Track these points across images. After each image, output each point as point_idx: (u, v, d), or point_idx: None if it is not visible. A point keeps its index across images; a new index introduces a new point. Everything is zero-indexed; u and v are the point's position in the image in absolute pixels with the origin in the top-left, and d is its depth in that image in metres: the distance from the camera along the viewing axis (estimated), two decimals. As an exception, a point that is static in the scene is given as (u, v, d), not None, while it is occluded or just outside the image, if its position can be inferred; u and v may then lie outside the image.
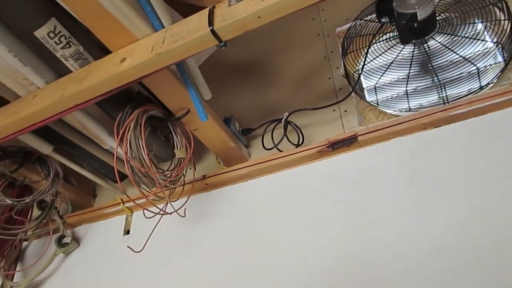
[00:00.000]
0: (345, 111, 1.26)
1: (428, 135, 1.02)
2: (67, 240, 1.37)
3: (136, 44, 0.88)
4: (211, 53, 1.02)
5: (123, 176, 1.11)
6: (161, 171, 1.05)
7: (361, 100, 1.25)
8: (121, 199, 1.40)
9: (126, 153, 0.95)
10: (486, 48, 1.07)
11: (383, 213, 0.97)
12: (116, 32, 0.86)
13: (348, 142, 1.11)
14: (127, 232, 1.35)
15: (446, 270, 0.82)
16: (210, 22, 0.77)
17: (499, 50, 1.06)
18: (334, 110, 1.28)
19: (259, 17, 0.74)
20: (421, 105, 1.11)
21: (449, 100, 1.05)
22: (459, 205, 0.88)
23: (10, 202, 1.17)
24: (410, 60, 1.11)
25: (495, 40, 1.07)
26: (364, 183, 1.04)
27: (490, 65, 1.06)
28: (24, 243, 1.54)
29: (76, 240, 1.42)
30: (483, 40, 1.06)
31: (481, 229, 0.83)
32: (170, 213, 1.08)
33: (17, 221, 1.32)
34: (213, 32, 0.77)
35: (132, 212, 1.38)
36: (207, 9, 0.81)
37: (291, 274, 0.99)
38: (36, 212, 1.39)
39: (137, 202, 1.10)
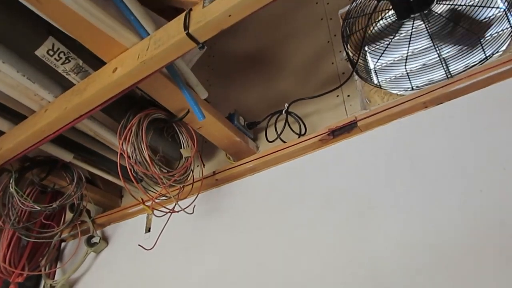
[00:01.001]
0: (348, 95, 1.25)
1: (429, 113, 0.98)
2: (95, 240, 1.48)
3: (126, 53, 0.93)
4: (201, 53, 1.04)
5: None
6: (165, 171, 1.10)
7: (366, 83, 1.23)
8: (141, 199, 1.48)
9: (128, 158, 1.00)
10: (493, 15, 1.00)
11: (384, 198, 0.96)
12: (106, 44, 0.92)
13: (348, 128, 1.10)
14: (148, 230, 1.43)
15: (450, 252, 0.79)
16: (186, 26, 0.80)
17: (510, 13, 0.99)
18: (337, 96, 1.27)
19: (230, 15, 0.75)
20: (431, 81, 1.07)
21: (453, 75, 1.00)
22: (462, 186, 0.85)
23: (39, 208, 1.28)
24: (409, 37, 1.07)
25: (506, 4, 1.00)
26: (365, 168, 1.03)
27: (497, 32, 0.99)
28: (63, 244, 1.68)
29: (105, 240, 1.53)
30: (488, 7, 1.00)
31: (486, 208, 0.79)
32: (178, 211, 1.13)
33: (51, 225, 1.44)
34: (189, 35, 0.79)
35: (152, 211, 1.45)
36: (184, 12, 0.83)
37: (303, 265, 1.00)
38: (69, 215, 1.51)
39: (146, 203, 1.15)
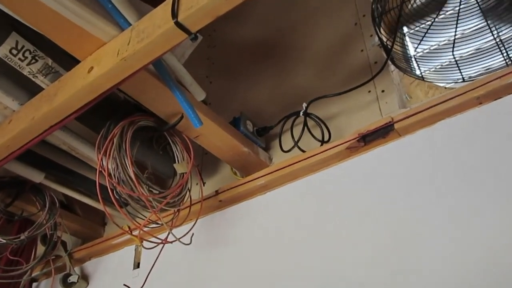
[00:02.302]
0: (383, 91, 1.25)
1: (484, 112, 0.98)
2: (73, 278, 1.50)
3: (103, 49, 0.96)
4: (195, 45, 1.07)
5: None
6: (156, 191, 1.12)
7: (405, 74, 1.23)
8: (128, 228, 1.50)
9: (109, 176, 1.03)
10: None
11: (432, 219, 0.95)
12: (79, 38, 0.95)
13: (383, 132, 1.10)
14: (137, 265, 1.45)
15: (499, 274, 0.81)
16: (174, 13, 0.82)
17: None
18: (369, 92, 1.28)
19: (227, -2, 0.77)
20: (487, 70, 1.07)
21: (515, 61, 1.01)
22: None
23: (4, 241, 1.31)
24: (456, 15, 1.07)
25: None
26: (406, 183, 1.03)
27: None
28: (34, 284, 1.71)
29: (85, 278, 1.55)
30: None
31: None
32: (172, 242, 1.15)
33: (19, 261, 1.47)
34: (178, 24, 0.81)
35: (141, 242, 1.48)
36: (172, -3, 0.85)
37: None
38: (40, 248, 1.54)
39: (134, 233, 1.18)
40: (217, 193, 1.34)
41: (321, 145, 1.24)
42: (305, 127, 1.27)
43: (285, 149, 1.31)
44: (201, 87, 1.16)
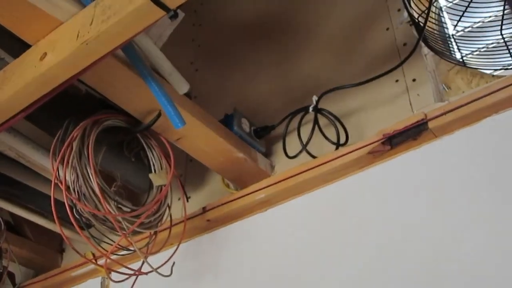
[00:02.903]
0: (414, 80, 1.26)
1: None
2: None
3: (59, 31, 0.96)
4: (175, 24, 1.08)
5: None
6: (128, 209, 1.12)
7: (442, 58, 1.24)
8: (92, 255, 1.50)
9: (67, 190, 1.04)
10: None
11: (471, 244, 0.96)
12: (29, 17, 0.94)
13: (414, 133, 1.10)
14: (104, 303, 1.46)
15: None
16: (149, -16, 0.82)
17: None
18: (397, 81, 1.28)
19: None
20: None
21: None
22: None
23: None
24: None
25: None
26: (443, 196, 1.03)
27: None
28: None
29: (38, 321, 1.56)
30: None
31: None
32: (147, 273, 1.15)
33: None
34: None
35: (108, 274, 1.47)
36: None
37: None
38: (-18, 282, 1.54)
39: (99, 262, 1.18)
40: (204, 210, 1.34)
41: (336, 149, 1.24)
42: (316, 127, 1.27)
43: (290, 154, 1.32)
44: (184, 76, 1.17)
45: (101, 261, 1.17)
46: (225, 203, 1.32)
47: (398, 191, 1.11)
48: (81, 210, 1.07)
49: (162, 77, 1.13)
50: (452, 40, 1.22)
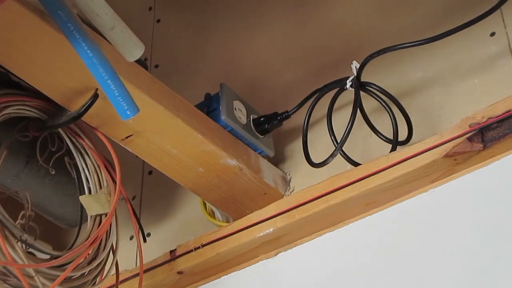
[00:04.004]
0: (519, 32, 1.26)
1: None
2: None
3: None
4: None
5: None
6: (48, 255, 1.09)
7: None
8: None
9: None
10: None
11: None
12: None
13: (520, 122, 1.09)
14: None
15: None
16: None
17: None
18: (492, 35, 1.28)
19: None
20: None
21: None
22: None
23: None
24: None
25: None
26: None
27: None
28: None
29: None
30: None
31: None
32: None
33: None
34: None
35: None
36: None
37: None
38: None
39: None
40: (173, 256, 1.34)
41: (393, 150, 1.23)
42: (356, 111, 1.24)
43: (316, 160, 1.30)
44: (137, 32, 1.13)
45: None
46: (207, 244, 1.31)
47: (495, 217, 1.10)
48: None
49: (100, 35, 1.10)
50: None
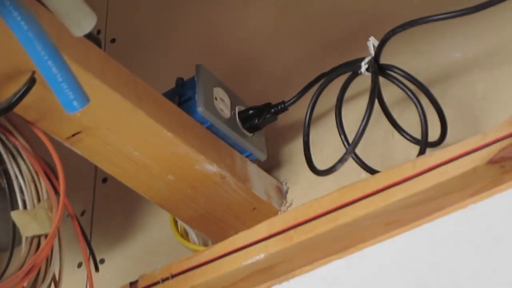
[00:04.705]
0: None
1: None
2: None
3: None
4: None
5: None
6: None
7: None
8: None
9: None
10: None
11: None
12: None
13: None
14: None
15: None
16: None
17: None
18: None
19: None
20: None
21: None
22: None
23: None
24: None
25: None
26: None
27: None
28: None
29: None
30: None
31: None
32: None
33: None
34: None
35: None
36: None
37: None
38: None
39: None
40: None
41: (421, 152, 1.24)
42: (374, 103, 1.25)
43: (321, 166, 1.31)
44: (87, 0, 1.13)
45: None
46: (179, 274, 1.31)
47: None
48: None
49: (39, 1, 1.11)
50: None
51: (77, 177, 1.28)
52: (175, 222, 1.44)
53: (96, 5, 1.11)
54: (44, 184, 1.22)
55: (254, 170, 1.39)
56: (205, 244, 1.41)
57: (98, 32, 1.15)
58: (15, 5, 1.01)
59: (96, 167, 1.29)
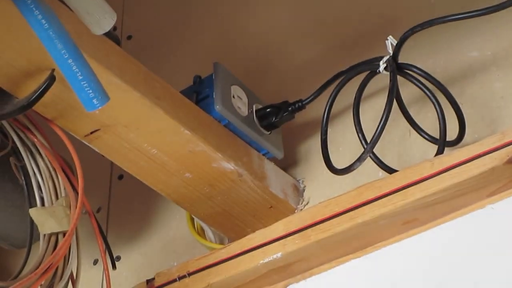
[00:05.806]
0: None
1: None
2: None
3: None
4: None
5: None
6: None
7: None
8: None
9: None
10: None
11: None
12: None
13: None
14: None
15: None
16: None
17: None
18: None
19: None
20: None
21: None
22: None
23: None
24: None
25: None
26: None
27: None
28: None
29: None
30: None
31: None
32: None
33: None
34: None
35: None
36: None
37: None
38: None
39: None
40: (151, 287, 1.34)
41: (439, 152, 1.24)
42: (393, 102, 1.24)
43: (338, 164, 1.30)
44: None
45: None
46: (195, 272, 1.32)
47: None
48: None
49: (59, 0, 1.10)
50: None
51: (93, 174, 1.28)
52: (192, 220, 1.44)
53: (112, 2, 1.12)
54: (62, 182, 1.22)
55: (271, 168, 1.39)
56: (222, 242, 1.41)
57: (115, 29, 1.15)
58: (36, 3, 1.01)
59: (112, 164, 1.29)
